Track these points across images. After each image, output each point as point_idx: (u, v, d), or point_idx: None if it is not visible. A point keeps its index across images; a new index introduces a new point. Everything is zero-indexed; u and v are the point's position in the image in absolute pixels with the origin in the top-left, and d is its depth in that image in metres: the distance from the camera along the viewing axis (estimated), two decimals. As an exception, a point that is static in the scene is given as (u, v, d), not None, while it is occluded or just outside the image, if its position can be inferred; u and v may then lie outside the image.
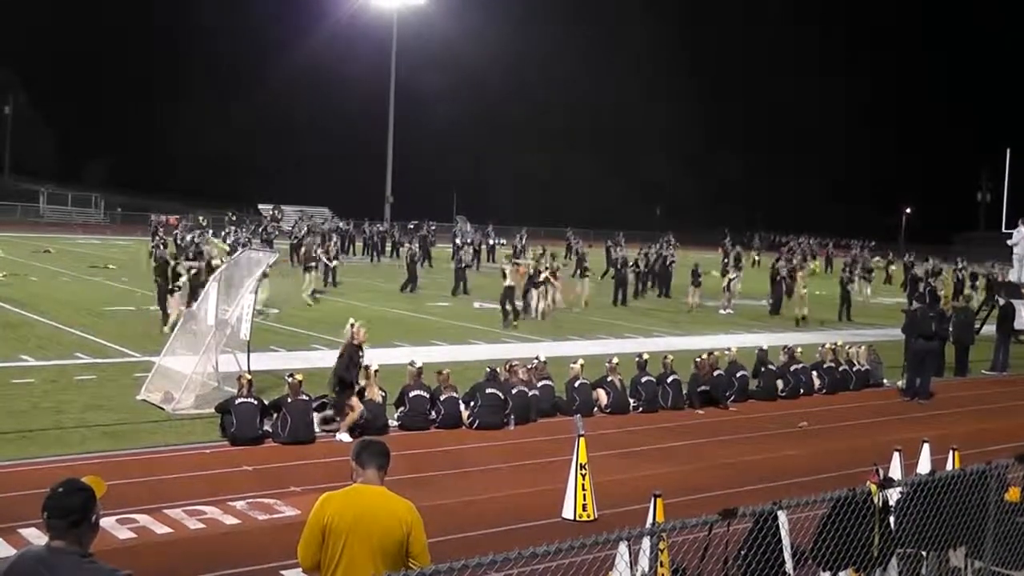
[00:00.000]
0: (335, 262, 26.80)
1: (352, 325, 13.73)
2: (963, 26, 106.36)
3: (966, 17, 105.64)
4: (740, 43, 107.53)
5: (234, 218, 51.41)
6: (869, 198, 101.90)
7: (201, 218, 55.87)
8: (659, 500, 7.02)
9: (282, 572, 8.14)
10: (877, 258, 51.42)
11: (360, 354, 13.47)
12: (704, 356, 17.01)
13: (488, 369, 14.69)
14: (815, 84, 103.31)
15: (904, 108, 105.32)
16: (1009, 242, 29.24)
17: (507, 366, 15.07)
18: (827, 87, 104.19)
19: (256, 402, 12.75)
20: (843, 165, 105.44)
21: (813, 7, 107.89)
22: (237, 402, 12.68)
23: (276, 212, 67.06)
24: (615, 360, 16.01)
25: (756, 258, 47.12)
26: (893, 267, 50.35)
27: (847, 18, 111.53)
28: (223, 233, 42.93)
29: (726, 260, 40.36)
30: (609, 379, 15.64)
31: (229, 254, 23.18)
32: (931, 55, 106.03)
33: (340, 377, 13.30)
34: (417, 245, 37.79)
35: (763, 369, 17.51)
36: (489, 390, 14.09)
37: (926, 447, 9.87)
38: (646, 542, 5.70)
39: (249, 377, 13.27)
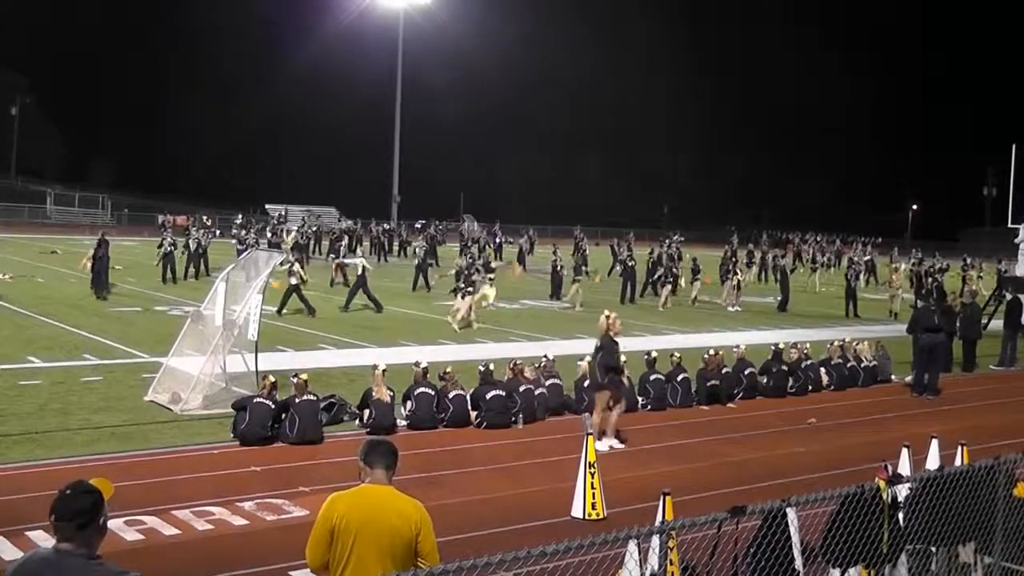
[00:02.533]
0: (357, 262, 26.51)
1: (607, 317, 13.39)
2: (963, 25, 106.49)
3: (966, 17, 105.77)
4: (741, 43, 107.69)
5: (239, 220, 51.49)
6: (874, 196, 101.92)
7: (206, 218, 55.89)
8: (668, 498, 7.01)
9: (291, 573, 8.13)
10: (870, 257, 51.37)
11: (617, 347, 13.09)
12: (712, 352, 16.99)
13: (481, 368, 14.60)
14: (815, 83, 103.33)
15: (905, 106, 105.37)
16: (1016, 240, 29.18)
17: (511, 365, 14.99)
18: (827, 86, 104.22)
19: (273, 405, 12.76)
20: (845, 163, 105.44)
21: (813, 7, 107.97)
22: (255, 400, 12.71)
23: (282, 215, 67.04)
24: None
25: (762, 255, 47.20)
26: (901, 265, 50.16)
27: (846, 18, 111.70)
28: (231, 233, 42.98)
29: (735, 259, 40.33)
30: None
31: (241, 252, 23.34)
32: (931, 54, 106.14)
33: (603, 367, 12.98)
34: (426, 244, 37.81)
35: (774, 370, 17.48)
36: (491, 394, 13.96)
37: (934, 443, 9.87)
38: (655, 540, 5.69)
39: (274, 380, 13.28)
